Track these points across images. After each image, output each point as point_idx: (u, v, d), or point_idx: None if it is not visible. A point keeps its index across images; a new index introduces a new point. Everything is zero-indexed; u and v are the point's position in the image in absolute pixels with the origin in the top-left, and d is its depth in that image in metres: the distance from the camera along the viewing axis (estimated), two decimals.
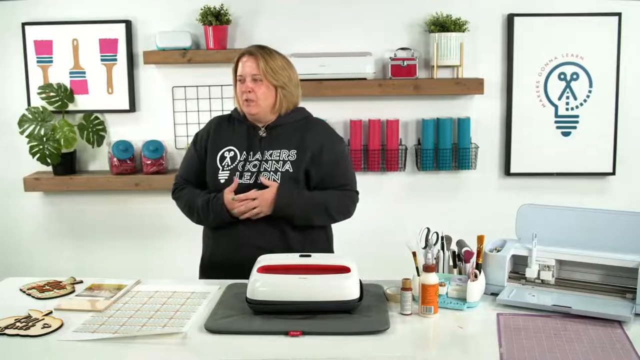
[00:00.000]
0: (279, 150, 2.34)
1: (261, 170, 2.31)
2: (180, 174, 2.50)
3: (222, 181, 2.33)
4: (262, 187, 2.29)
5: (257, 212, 2.27)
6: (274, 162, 2.32)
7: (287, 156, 2.33)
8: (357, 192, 2.44)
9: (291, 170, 2.31)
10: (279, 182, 2.29)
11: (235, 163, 2.35)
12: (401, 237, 2.08)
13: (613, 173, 3.60)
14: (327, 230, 2.47)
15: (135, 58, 3.61)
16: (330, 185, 2.36)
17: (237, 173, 2.32)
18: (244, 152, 2.36)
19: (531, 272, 2.05)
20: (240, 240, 2.32)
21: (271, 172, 2.30)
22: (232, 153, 2.37)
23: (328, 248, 2.47)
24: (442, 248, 2.11)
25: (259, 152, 2.35)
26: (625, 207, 2.21)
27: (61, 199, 3.72)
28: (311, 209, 2.31)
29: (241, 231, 2.32)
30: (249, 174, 2.32)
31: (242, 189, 2.29)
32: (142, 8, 3.58)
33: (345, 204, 2.39)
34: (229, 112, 2.48)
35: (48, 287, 2.19)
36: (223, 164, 2.36)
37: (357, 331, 1.78)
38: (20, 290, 2.18)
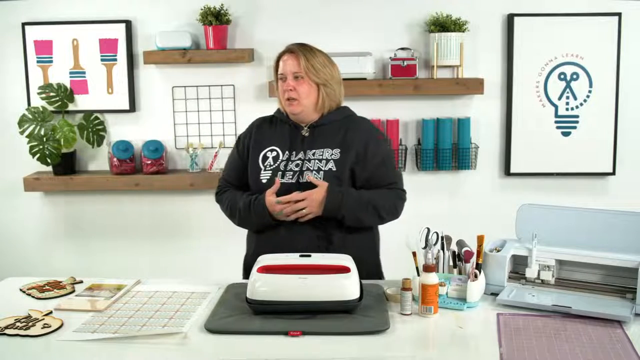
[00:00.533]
0: (322, 149, 2.30)
1: (304, 169, 2.27)
2: (223, 176, 2.48)
3: (264, 181, 2.29)
4: (306, 186, 2.24)
5: (306, 212, 2.22)
6: (316, 161, 2.28)
7: (330, 155, 2.29)
8: (405, 191, 2.38)
9: (334, 169, 2.26)
10: (321, 179, 2.24)
11: (278, 163, 2.31)
12: (401, 237, 2.08)
13: (613, 173, 3.60)
14: (374, 232, 2.42)
15: (135, 58, 3.61)
16: (377, 185, 2.30)
17: (279, 173, 2.28)
18: (286, 152, 2.32)
19: (531, 272, 2.05)
20: (282, 244, 2.24)
21: (314, 171, 2.26)
22: (274, 153, 2.33)
23: (374, 251, 2.41)
24: (442, 248, 2.11)
25: (302, 152, 2.31)
26: (625, 207, 2.21)
27: (61, 199, 3.72)
28: (361, 208, 2.24)
29: (283, 235, 2.27)
30: (291, 173, 2.28)
31: (284, 189, 2.24)
32: (142, 8, 3.58)
33: (394, 203, 2.32)
34: (272, 114, 2.44)
35: (48, 287, 2.19)
36: (265, 164, 2.32)
37: (357, 331, 1.78)
38: (20, 290, 2.18)
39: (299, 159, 2.30)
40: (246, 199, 2.30)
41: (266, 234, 2.32)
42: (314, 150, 2.30)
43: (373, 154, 2.30)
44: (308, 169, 2.27)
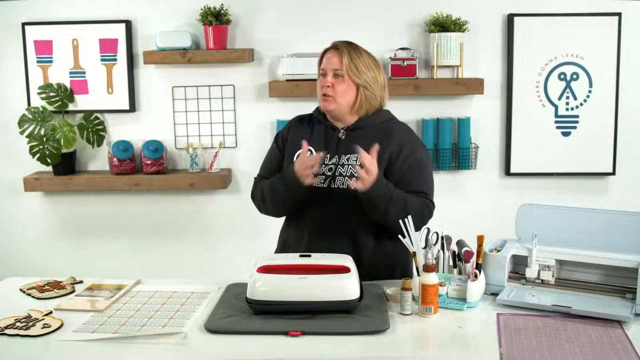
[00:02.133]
0: (357, 155, 2.20)
1: (336, 174, 2.23)
2: (259, 173, 2.43)
3: None
4: (337, 193, 2.20)
5: (358, 184, 2.09)
6: (350, 166, 2.23)
7: None
8: (433, 204, 2.28)
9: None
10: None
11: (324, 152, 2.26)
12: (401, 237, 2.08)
13: (613, 173, 3.60)
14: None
15: (135, 58, 3.61)
16: (404, 190, 2.21)
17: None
18: (321, 154, 2.26)
19: (531, 272, 2.05)
20: (308, 248, 2.22)
21: (346, 177, 2.21)
22: (309, 153, 2.27)
23: (405, 262, 2.29)
24: (442, 248, 2.11)
25: (336, 156, 2.26)
26: (625, 207, 2.21)
27: (61, 199, 3.72)
28: (393, 202, 2.14)
29: (311, 239, 2.25)
30: (323, 177, 2.24)
31: (314, 192, 2.21)
32: (142, 8, 3.58)
33: (421, 208, 2.20)
34: (311, 112, 2.40)
35: (48, 287, 2.19)
36: None
37: (357, 331, 1.78)
38: (20, 290, 2.18)
39: (333, 163, 2.26)
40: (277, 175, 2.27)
41: (293, 235, 2.31)
42: (348, 155, 2.25)
43: (405, 158, 2.24)
44: (340, 174, 2.23)
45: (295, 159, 2.28)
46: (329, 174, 2.24)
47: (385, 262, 2.27)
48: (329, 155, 2.27)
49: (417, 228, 2.10)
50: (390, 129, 2.30)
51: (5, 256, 3.74)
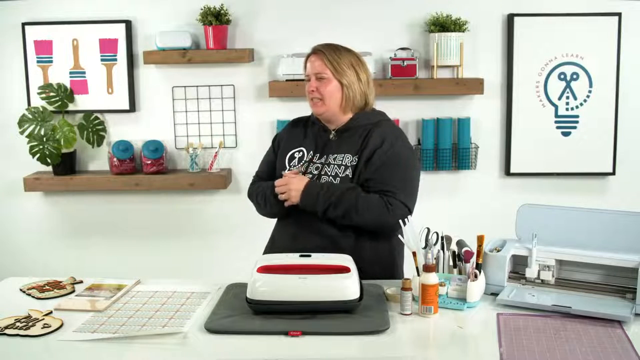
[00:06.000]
0: (343, 155, 2.27)
1: (322, 173, 2.27)
2: (257, 172, 2.51)
3: None
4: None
5: (283, 197, 2.25)
6: (335, 166, 2.27)
7: (350, 161, 2.26)
8: (404, 207, 2.18)
9: (351, 176, 2.24)
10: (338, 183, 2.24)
11: (301, 163, 2.33)
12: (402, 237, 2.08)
13: (613, 173, 3.60)
14: (391, 242, 2.30)
15: (135, 58, 3.61)
16: (372, 188, 2.21)
17: (300, 174, 2.28)
18: (311, 153, 2.33)
19: (531, 272, 2.05)
20: (294, 243, 2.25)
21: (331, 177, 2.25)
22: (300, 153, 2.35)
23: (391, 262, 2.34)
24: (442, 248, 2.11)
25: (324, 155, 2.31)
26: (625, 207, 2.21)
27: (61, 199, 3.72)
28: (337, 206, 2.18)
29: (296, 236, 2.28)
30: (310, 175, 2.28)
31: None
32: (142, 8, 3.58)
33: (378, 211, 2.17)
34: (309, 115, 2.44)
35: (48, 287, 2.19)
36: (291, 164, 2.35)
37: (357, 331, 1.78)
38: (20, 290, 2.18)
39: (320, 162, 2.30)
40: (267, 189, 2.34)
41: (282, 232, 2.36)
42: (335, 155, 2.29)
43: (381, 154, 2.24)
44: (326, 174, 2.27)
45: (287, 163, 2.35)
46: (315, 172, 2.29)
47: (367, 262, 2.22)
48: (317, 155, 2.32)
49: (375, 227, 2.20)
50: (374, 129, 2.30)
51: (5, 256, 3.74)
